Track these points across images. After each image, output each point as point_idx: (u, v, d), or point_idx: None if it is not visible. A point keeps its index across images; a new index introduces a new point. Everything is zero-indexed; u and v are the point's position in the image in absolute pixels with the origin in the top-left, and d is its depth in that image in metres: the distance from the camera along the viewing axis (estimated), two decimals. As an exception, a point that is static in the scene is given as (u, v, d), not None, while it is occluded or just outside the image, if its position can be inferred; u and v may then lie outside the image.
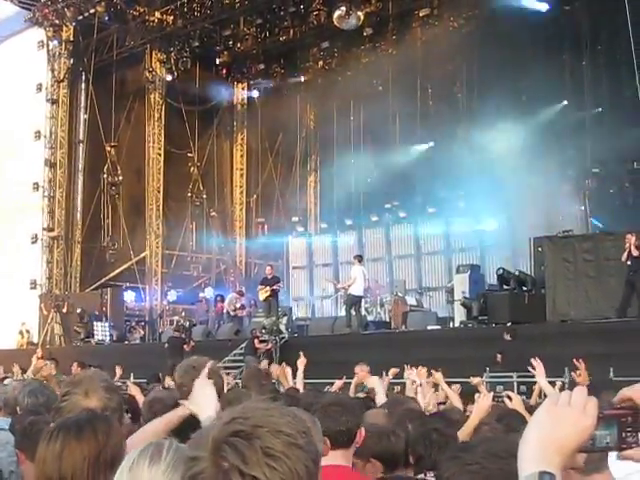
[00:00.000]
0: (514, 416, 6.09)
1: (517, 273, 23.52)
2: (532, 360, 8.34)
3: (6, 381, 11.95)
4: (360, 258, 26.43)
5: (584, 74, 28.81)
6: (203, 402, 3.91)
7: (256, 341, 23.96)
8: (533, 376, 10.57)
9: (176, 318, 32.63)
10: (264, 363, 20.73)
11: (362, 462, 4.99)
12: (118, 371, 18.14)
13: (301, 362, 10.76)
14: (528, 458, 1.93)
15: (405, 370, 10.14)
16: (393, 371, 11.50)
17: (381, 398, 8.26)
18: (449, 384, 10.39)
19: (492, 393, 7.21)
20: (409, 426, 5.29)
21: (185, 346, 25.79)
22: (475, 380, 10.71)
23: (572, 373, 8.70)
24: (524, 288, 22.67)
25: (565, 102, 28.57)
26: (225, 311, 29.77)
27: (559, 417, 1.94)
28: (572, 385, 12.62)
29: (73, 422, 3.23)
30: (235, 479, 1.80)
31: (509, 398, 7.38)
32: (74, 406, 3.62)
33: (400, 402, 7.24)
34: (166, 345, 26.32)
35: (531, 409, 7.07)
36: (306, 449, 1.89)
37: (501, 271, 23.87)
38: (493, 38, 29.04)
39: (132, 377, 17.91)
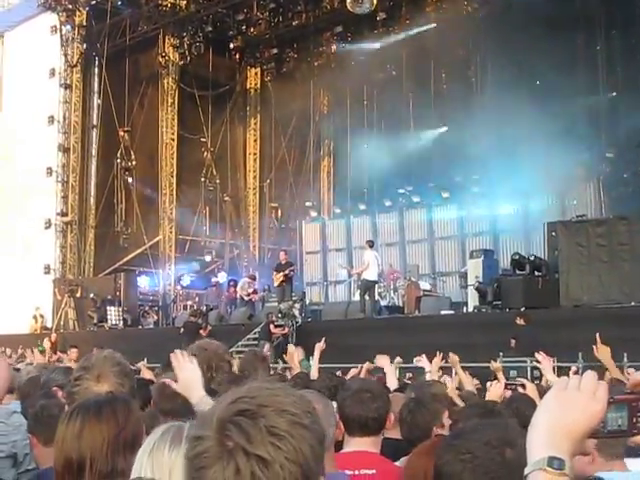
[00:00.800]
0: (523, 400, 6.07)
1: (532, 258, 23.43)
2: (537, 354, 8.25)
3: (20, 365, 12.00)
4: (372, 243, 26.42)
5: (598, 58, 28.69)
6: (190, 384, 3.88)
7: (272, 326, 23.93)
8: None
9: (189, 303, 32.71)
10: (266, 347, 20.74)
11: None
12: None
13: (319, 347, 10.63)
14: (537, 443, 1.91)
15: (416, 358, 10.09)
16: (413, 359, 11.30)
17: (392, 381, 8.24)
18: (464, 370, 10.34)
19: (503, 381, 7.17)
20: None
21: (201, 331, 25.83)
22: (495, 365, 10.65)
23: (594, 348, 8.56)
24: (538, 273, 22.60)
25: (579, 86, 28.44)
26: (238, 296, 29.79)
27: (568, 402, 1.93)
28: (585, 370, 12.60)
29: (93, 403, 3.23)
30: (239, 458, 1.80)
31: (523, 387, 7.35)
32: (86, 392, 3.61)
33: (427, 385, 7.23)
34: (182, 330, 26.37)
35: (544, 393, 7.05)
36: (311, 429, 1.88)
37: (517, 256, 23.80)
38: (507, 22, 28.92)
39: (146, 361, 17.88)
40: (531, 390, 7.11)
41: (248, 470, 1.79)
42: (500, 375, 9.33)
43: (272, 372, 10.81)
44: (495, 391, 6.52)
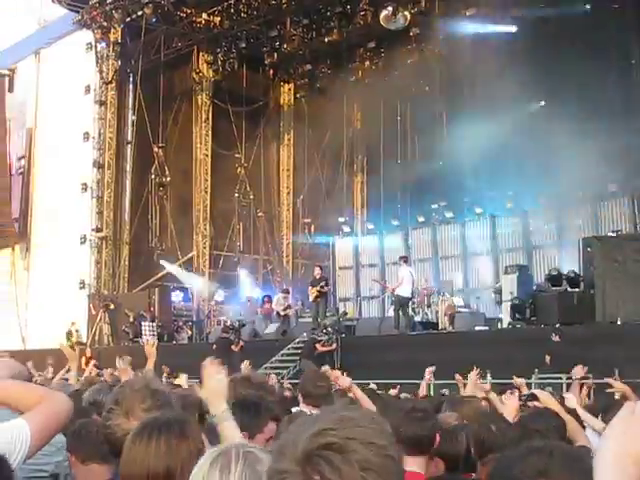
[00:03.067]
0: (549, 416, 6.03)
1: (571, 274, 23.29)
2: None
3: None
4: (406, 259, 26.37)
5: (633, 75, 28.55)
6: (215, 394, 3.90)
7: (318, 345, 23.63)
8: (582, 378, 10.45)
9: (223, 318, 32.74)
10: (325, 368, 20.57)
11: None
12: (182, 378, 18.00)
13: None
14: (605, 470, 1.87)
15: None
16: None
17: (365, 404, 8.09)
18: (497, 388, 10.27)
19: (517, 393, 7.10)
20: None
21: (233, 346, 25.84)
22: (518, 380, 10.59)
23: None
24: (574, 289, 22.45)
25: (615, 102, 28.27)
26: (275, 312, 29.79)
27: (635, 428, 1.89)
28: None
29: (167, 421, 3.29)
30: None
31: (535, 397, 7.27)
32: (118, 428, 3.64)
33: (465, 402, 7.19)
34: (214, 347, 26.38)
35: (572, 411, 6.99)
36: (396, 458, 1.87)
37: (555, 272, 23.67)
38: (542, 37, 28.85)
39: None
40: (546, 399, 7.03)
41: None
42: (524, 389, 9.27)
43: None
44: (511, 405, 6.46)
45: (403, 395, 10.98)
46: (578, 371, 10.51)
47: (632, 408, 1.92)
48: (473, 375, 10.02)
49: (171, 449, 3.14)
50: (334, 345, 23.73)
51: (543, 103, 29.85)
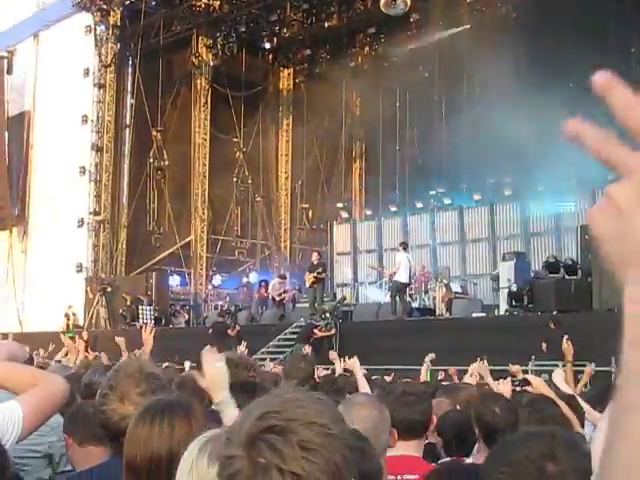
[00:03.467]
0: (542, 401, 6.04)
1: (568, 262, 23.30)
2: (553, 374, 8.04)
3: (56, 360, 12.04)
4: (405, 245, 26.33)
5: (632, 61, 28.56)
6: (216, 382, 3.90)
7: (316, 330, 23.63)
8: (580, 365, 10.47)
9: (220, 303, 32.76)
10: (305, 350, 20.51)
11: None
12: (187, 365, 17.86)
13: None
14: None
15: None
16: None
17: (363, 386, 8.05)
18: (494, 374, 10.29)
19: (509, 378, 7.10)
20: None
21: (229, 331, 25.87)
22: (514, 368, 10.60)
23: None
24: (573, 277, 22.45)
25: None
26: (270, 296, 29.80)
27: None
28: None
29: (171, 403, 3.32)
30: (274, 476, 1.77)
31: (527, 382, 7.27)
32: (113, 413, 3.66)
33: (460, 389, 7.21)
34: (210, 331, 26.43)
35: (569, 397, 7.00)
36: (341, 437, 1.86)
37: (553, 259, 23.68)
38: (540, 24, 28.84)
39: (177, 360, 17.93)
40: (539, 384, 7.04)
41: None
42: (520, 376, 9.27)
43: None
44: (504, 390, 6.47)
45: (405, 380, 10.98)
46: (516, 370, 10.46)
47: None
48: (476, 366, 10.06)
49: (174, 431, 3.16)
50: (333, 330, 23.74)
51: (543, 89, 29.78)
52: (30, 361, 5.03)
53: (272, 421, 1.82)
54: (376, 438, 3.75)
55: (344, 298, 28.69)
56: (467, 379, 9.53)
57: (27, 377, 3.78)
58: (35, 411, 3.65)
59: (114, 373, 3.85)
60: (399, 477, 4.33)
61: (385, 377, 13.07)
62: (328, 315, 24.53)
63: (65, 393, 3.86)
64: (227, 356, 4.43)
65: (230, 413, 3.72)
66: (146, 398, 3.65)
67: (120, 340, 11.54)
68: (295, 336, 24.87)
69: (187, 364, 10.82)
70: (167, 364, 13.40)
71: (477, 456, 4.94)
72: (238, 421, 1.92)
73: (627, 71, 27.56)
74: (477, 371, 9.72)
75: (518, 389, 8.44)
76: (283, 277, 31.00)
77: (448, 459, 5.26)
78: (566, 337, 9.04)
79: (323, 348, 21.18)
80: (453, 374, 11.87)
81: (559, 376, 7.75)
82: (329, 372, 13.27)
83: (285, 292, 29.64)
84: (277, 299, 29.23)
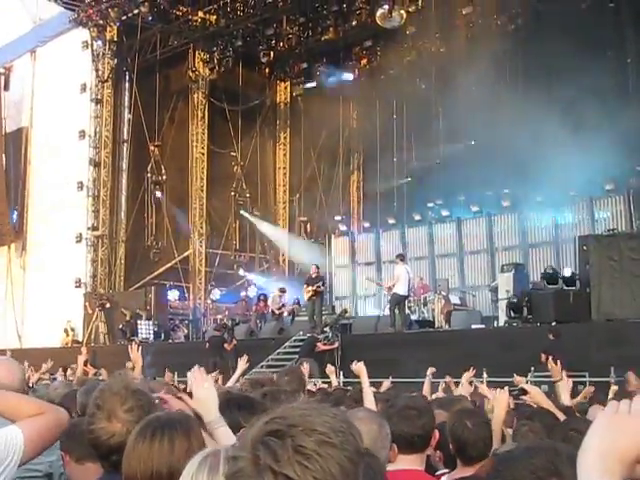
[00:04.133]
0: (545, 414, 6.05)
1: (566, 273, 23.29)
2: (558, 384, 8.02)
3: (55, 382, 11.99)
4: (402, 257, 26.29)
5: (629, 73, 28.61)
6: (205, 403, 3.89)
7: (319, 344, 23.55)
8: (578, 376, 10.45)
9: (219, 317, 32.73)
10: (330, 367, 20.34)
11: None
12: (168, 376, 17.92)
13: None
14: (589, 467, 1.87)
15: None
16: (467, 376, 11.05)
17: (368, 398, 8.05)
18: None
19: (507, 387, 7.08)
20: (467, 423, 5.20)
21: (226, 345, 25.86)
22: (518, 379, 10.59)
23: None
24: (571, 288, 22.45)
25: (610, 101, 28.29)
26: (269, 310, 29.78)
27: (619, 426, 1.88)
28: (622, 389, 12.53)
29: (170, 420, 3.31)
30: (267, 477, 1.80)
31: (524, 392, 7.25)
32: (102, 432, 3.66)
33: (454, 401, 7.21)
34: (207, 345, 26.43)
35: (567, 409, 7.00)
36: (340, 447, 1.86)
37: (551, 270, 23.69)
38: (537, 35, 28.94)
39: (176, 376, 17.92)
40: (536, 394, 7.03)
41: None
42: (526, 387, 9.24)
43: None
44: (501, 400, 6.45)
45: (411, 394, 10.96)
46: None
47: (616, 407, 1.93)
48: (467, 376, 10.07)
49: (174, 448, 3.16)
50: (336, 344, 23.70)
51: (540, 101, 29.84)
52: (27, 381, 5.02)
53: (275, 426, 1.86)
54: (376, 454, 3.74)
55: (345, 311, 28.69)
56: (459, 390, 9.53)
57: (29, 408, 3.80)
58: (35, 439, 3.68)
59: (99, 392, 3.84)
60: None
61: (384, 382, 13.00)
62: (328, 329, 24.52)
63: (66, 423, 3.88)
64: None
65: (222, 432, 3.71)
66: (133, 415, 3.65)
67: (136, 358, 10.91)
68: (295, 350, 24.84)
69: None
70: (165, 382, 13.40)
71: (452, 474, 4.96)
72: (250, 426, 1.95)
73: (623, 81, 27.70)
74: (467, 380, 9.75)
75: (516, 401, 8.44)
76: (283, 290, 30.99)
77: (446, 471, 5.25)
78: (544, 356, 9.04)
79: (325, 362, 21.09)
80: (450, 384, 11.86)
81: (564, 387, 7.73)
82: (326, 386, 13.25)
83: (284, 306, 29.64)
84: (276, 312, 29.22)
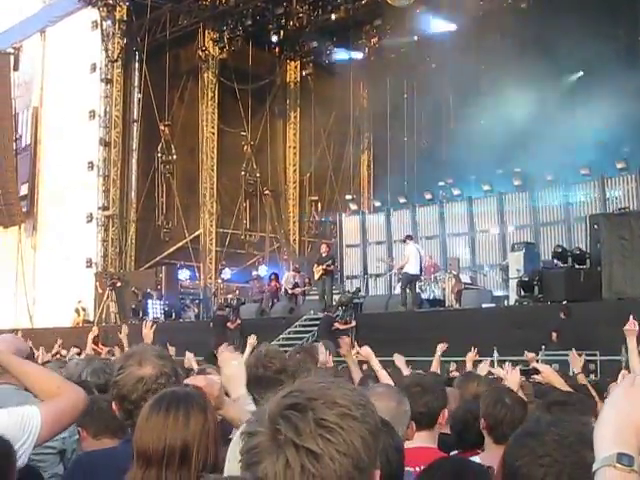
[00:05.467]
0: (552, 393, 6.06)
1: (576, 251, 23.27)
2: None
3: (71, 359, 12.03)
4: (411, 237, 26.28)
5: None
6: (233, 380, 3.91)
7: (337, 324, 23.53)
8: (590, 354, 10.41)
9: (229, 296, 32.78)
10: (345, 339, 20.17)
11: None
12: (171, 350, 18.00)
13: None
14: (605, 440, 1.89)
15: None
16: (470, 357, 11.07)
17: (355, 373, 8.20)
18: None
19: (519, 366, 7.07)
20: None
21: (229, 323, 25.94)
22: (530, 355, 10.58)
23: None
24: (582, 266, 22.42)
25: (621, 79, 28.19)
26: (283, 289, 29.80)
27: (636, 399, 1.91)
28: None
29: (186, 394, 3.27)
30: (289, 451, 1.79)
31: (536, 371, 7.24)
32: (130, 377, 3.68)
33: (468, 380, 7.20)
34: (211, 324, 26.55)
35: (579, 387, 7.00)
36: (361, 420, 1.87)
37: (560, 249, 23.66)
38: (549, 12, 28.80)
39: (174, 351, 17.93)
40: (549, 373, 7.03)
41: (298, 463, 1.79)
42: (535, 364, 9.24)
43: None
44: (513, 378, 6.45)
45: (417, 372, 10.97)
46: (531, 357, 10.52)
47: (632, 380, 1.94)
48: (470, 357, 10.13)
49: (190, 423, 3.12)
50: (353, 322, 23.76)
51: (552, 79, 29.77)
52: (31, 356, 5.04)
53: (294, 399, 1.86)
54: (393, 429, 3.74)
55: (359, 290, 28.71)
56: (481, 369, 9.50)
57: (51, 383, 3.82)
58: (53, 422, 3.69)
59: (129, 350, 3.91)
60: (417, 469, 4.30)
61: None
62: (342, 308, 24.59)
63: (85, 406, 3.89)
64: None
65: (247, 409, 3.73)
66: (164, 361, 3.68)
67: (124, 330, 11.58)
68: (306, 329, 24.89)
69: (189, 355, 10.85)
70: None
71: (485, 455, 4.92)
72: (268, 402, 1.94)
73: (635, 60, 27.54)
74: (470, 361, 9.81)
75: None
76: (297, 270, 31.06)
77: (456, 452, 5.23)
78: (573, 350, 8.99)
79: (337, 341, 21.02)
80: (468, 362, 11.85)
81: (577, 363, 7.71)
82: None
83: (297, 285, 29.67)
84: (290, 292, 29.24)
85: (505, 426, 4.88)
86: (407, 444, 4.47)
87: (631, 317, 7.42)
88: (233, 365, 3.96)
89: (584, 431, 2.46)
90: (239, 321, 26.31)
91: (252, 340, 10.39)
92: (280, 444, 1.81)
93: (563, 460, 2.42)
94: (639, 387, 1.93)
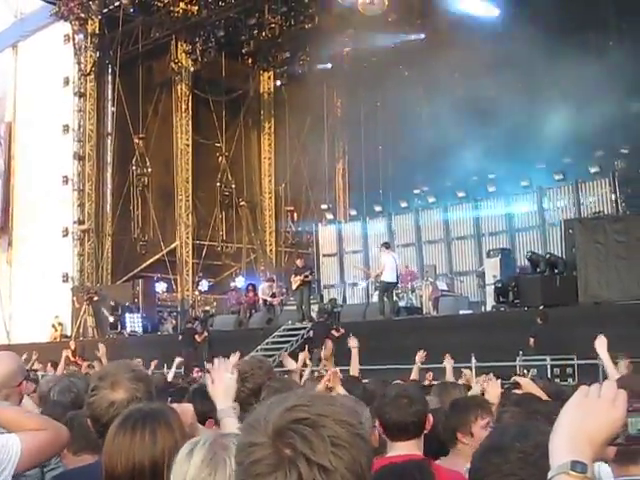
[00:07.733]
0: (530, 399, 6.10)
1: (547, 256, 23.42)
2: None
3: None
4: (387, 245, 26.32)
5: (610, 56, 28.70)
6: (224, 392, 3.94)
7: (334, 332, 23.43)
8: (567, 359, 10.47)
9: (207, 308, 32.75)
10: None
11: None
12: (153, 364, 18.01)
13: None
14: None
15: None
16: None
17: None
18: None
19: (500, 380, 7.10)
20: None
21: (196, 336, 25.95)
22: (467, 373, 10.63)
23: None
24: (555, 270, 22.56)
25: (592, 85, 28.33)
26: (260, 300, 29.76)
27: (589, 409, 1.99)
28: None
29: (152, 411, 3.26)
30: (302, 467, 1.81)
31: (518, 385, 7.27)
32: (102, 400, 3.65)
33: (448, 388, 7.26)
34: (180, 337, 26.58)
35: (558, 395, 7.03)
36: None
37: (531, 254, 23.80)
38: (521, 21, 28.94)
39: (165, 368, 17.93)
40: (527, 385, 7.07)
41: (310, 478, 1.81)
42: (516, 378, 9.24)
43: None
44: (494, 391, 6.48)
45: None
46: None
47: (586, 391, 2.01)
48: (420, 357, 10.24)
49: (157, 440, 3.11)
50: (342, 330, 23.72)
51: (521, 85, 29.92)
52: (27, 375, 5.02)
53: (302, 414, 1.87)
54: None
55: (335, 299, 28.75)
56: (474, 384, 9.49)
57: (31, 424, 3.81)
58: (34, 451, 3.70)
59: (102, 369, 3.90)
60: None
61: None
62: (325, 316, 24.66)
63: (65, 442, 3.90)
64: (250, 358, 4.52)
65: (231, 422, 3.75)
66: (136, 384, 3.68)
67: (101, 348, 11.58)
68: (284, 339, 24.85)
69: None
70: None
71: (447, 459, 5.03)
72: (262, 412, 1.93)
73: (606, 65, 27.63)
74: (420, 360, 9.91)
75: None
76: (271, 280, 31.00)
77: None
78: (532, 340, 9.02)
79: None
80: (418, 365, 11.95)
81: (602, 344, 7.62)
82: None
83: (274, 296, 29.63)
84: (268, 302, 29.20)
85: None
86: (394, 452, 4.59)
87: (601, 335, 7.46)
88: (228, 378, 4.00)
89: (547, 444, 2.50)
90: (206, 334, 26.36)
91: (234, 359, 10.38)
92: (291, 458, 1.82)
93: (529, 479, 2.48)
94: (593, 398, 2.00)
